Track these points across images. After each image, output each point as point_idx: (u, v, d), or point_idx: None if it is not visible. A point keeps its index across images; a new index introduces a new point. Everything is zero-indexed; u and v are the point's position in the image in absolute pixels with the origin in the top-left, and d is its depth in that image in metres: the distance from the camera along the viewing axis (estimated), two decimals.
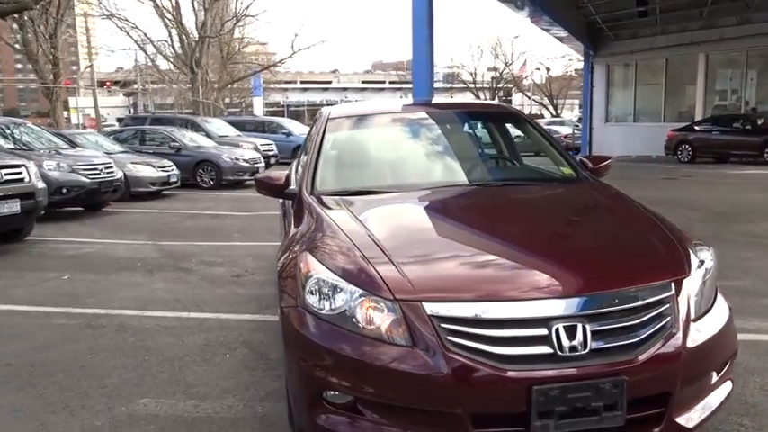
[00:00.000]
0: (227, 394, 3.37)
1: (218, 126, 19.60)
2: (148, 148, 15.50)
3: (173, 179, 13.43)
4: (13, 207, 7.34)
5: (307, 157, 3.73)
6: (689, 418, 2.27)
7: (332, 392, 2.30)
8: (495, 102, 4.70)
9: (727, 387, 2.49)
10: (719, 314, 2.45)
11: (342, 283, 2.35)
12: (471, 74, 64.13)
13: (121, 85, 44.72)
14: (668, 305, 2.27)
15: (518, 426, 2.10)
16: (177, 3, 29.24)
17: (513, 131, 4.23)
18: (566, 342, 2.11)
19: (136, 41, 30.50)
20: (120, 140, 15.81)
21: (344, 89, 77.26)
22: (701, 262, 2.52)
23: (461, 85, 63.73)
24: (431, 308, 2.18)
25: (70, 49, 48.49)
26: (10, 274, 6.34)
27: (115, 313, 4.91)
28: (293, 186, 3.61)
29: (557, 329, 2.12)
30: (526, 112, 62.49)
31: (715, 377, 2.42)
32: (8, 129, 11.02)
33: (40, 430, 3.02)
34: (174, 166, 13.63)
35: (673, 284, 2.32)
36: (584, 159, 3.90)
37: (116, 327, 4.58)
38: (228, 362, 3.83)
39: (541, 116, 53.24)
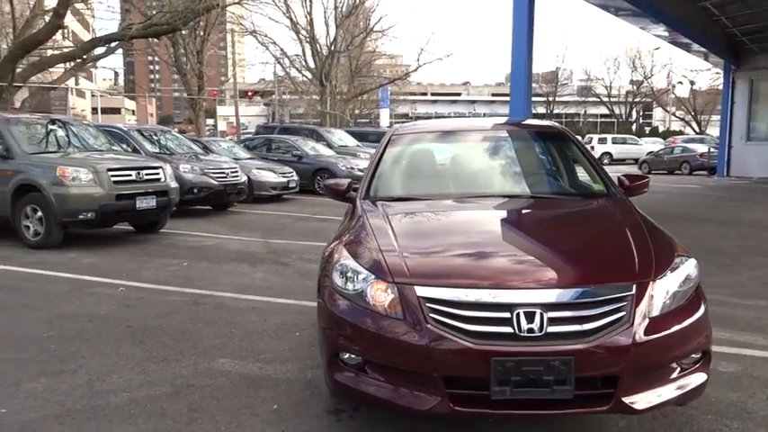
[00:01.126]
0: (287, 362, 4.11)
1: (340, 137, 20.86)
2: (274, 155, 17.00)
3: (292, 184, 14.73)
4: (151, 202, 8.67)
5: (368, 167, 4.40)
6: (638, 401, 2.64)
7: (347, 355, 2.93)
8: (546, 122, 5.12)
9: (694, 380, 2.82)
10: (687, 315, 2.79)
11: (360, 269, 2.98)
12: (606, 87, 61.91)
13: (261, 94, 48.08)
14: (626, 303, 2.67)
15: (481, 389, 2.61)
16: (311, 19, 31.37)
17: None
18: (524, 325, 2.59)
19: (273, 55, 33.04)
20: (249, 148, 17.48)
21: (473, 102, 77.59)
22: (675, 270, 2.87)
23: (595, 99, 61.74)
24: (420, 290, 2.75)
25: (220, 62, 52.79)
26: (143, 258, 7.59)
27: (217, 294, 5.85)
28: (353, 192, 4.29)
29: (518, 314, 2.60)
30: (666, 128, 59.19)
31: (677, 370, 2.77)
32: (156, 135, 12.81)
33: (141, 372, 3.92)
34: (294, 173, 14.93)
35: (635, 286, 2.71)
36: (623, 177, 4.25)
37: (215, 305, 5.51)
38: (296, 338, 4.57)
39: (680, 132, 50.41)
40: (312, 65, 31.92)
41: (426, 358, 2.65)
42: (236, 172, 12.42)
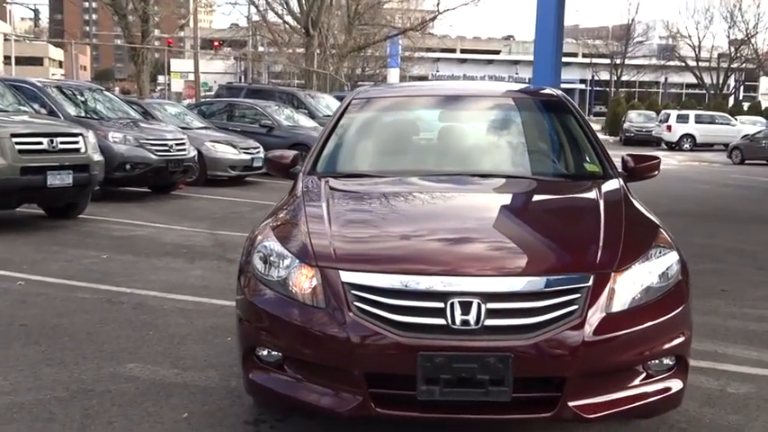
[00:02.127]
0: (210, 369, 4.57)
1: (327, 103, 21.30)
2: (237, 125, 17.58)
3: (257, 163, 15.16)
4: (66, 179, 9.15)
5: (317, 139, 4.87)
6: (589, 408, 3.07)
7: (264, 351, 3.39)
8: (546, 89, 5.59)
9: (664, 389, 3.25)
10: (656, 313, 3.21)
11: (285, 253, 3.44)
12: (694, 48, 61.98)
13: (230, 45, 48.44)
14: (579, 296, 3.10)
15: (407, 389, 3.05)
16: None
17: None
18: (459, 316, 3.03)
19: None
20: (205, 115, 18.01)
21: (516, 62, 77.81)
22: (647, 262, 3.30)
23: (678, 63, 61.79)
24: (345, 276, 3.20)
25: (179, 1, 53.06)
26: (52, 249, 8.09)
27: (138, 293, 6.34)
28: (299, 167, 4.75)
29: (452, 304, 3.04)
30: None
31: (641, 375, 3.20)
32: (81, 95, 13.26)
33: (32, 375, 4.39)
34: (262, 149, 15.31)
35: (593, 278, 3.15)
36: (628, 157, 4.69)
37: (134, 305, 5.98)
38: (226, 344, 5.03)
39: None
40: (296, 7, 32.38)
41: (347, 352, 3.10)
42: (183, 145, 12.88)
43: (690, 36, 61.98)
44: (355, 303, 3.14)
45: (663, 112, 41.08)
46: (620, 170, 4.57)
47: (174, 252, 8.16)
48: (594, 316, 3.09)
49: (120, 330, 5.30)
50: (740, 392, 4.30)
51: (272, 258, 3.47)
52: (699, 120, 37.72)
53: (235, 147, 15.08)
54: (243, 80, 54.22)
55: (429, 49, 58.47)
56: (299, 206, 3.92)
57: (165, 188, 13.16)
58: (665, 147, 37.16)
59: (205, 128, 16.04)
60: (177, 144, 12.73)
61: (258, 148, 15.41)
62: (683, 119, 37.42)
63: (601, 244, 3.35)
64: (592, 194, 4.09)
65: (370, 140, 4.94)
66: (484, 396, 3.02)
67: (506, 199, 4.26)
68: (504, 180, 4.45)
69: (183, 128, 14.48)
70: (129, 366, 4.58)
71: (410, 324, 3.07)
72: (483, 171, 4.51)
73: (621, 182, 4.32)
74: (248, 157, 15.12)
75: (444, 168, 4.54)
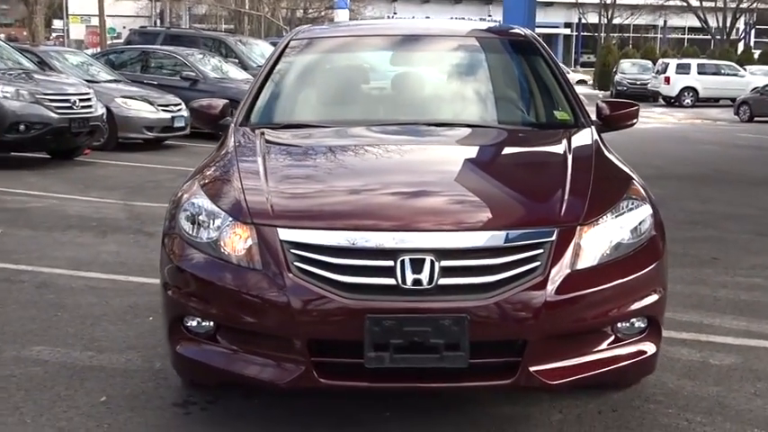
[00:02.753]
0: (131, 350, 4.81)
1: (261, 51, 21.40)
2: (153, 77, 17.64)
3: (179, 123, 15.36)
4: None
5: (250, 84, 5.11)
6: (552, 373, 3.39)
7: (194, 321, 3.64)
8: (512, 28, 5.90)
9: (635, 353, 3.58)
10: (626, 271, 3.53)
11: (216, 210, 3.68)
12: None
13: None
14: (542, 251, 3.40)
15: (354, 357, 3.32)
16: None
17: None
18: (410, 276, 3.31)
19: None
20: (115, 65, 18.05)
21: (488, 1, 77.89)
22: (619, 215, 3.61)
23: (679, 2, 62.36)
24: (284, 233, 3.45)
25: None
26: None
27: (42, 271, 6.53)
28: (230, 119, 4.98)
29: (402, 262, 3.32)
30: None
31: (609, 339, 3.53)
32: None
33: None
34: (184, 105, 15.37)
35: (556, 232, 3.45)
36: (603, 104, 5.02)
37: (38, 283, 6.18)
38: (148, 324, 5.27)
39: None
40: None
41: (287, 318, 3.36)
42: (89, 101, 12.93)
43: None
44: (295, 264, 3.39)
45: (660, 61, 41.71)
46: (594, 118, 4.88)
47: (80, 225, 8.33)
48: (558, 273, 3.39)
49: (22, 311, 5.50)
50: (724, 364, 4.68)
51: (200, 218, 3.70)
52: (702, 70, 38.30)
53: (151, 103, 15.17)
54: (159, 25, 53.61)
55: None
56: (230, 161, 4.15)
57: (67, 153, 13.25)
58: (662, 102, 37.92)
59: (115, 81, 16.08)
60: (82, 100, 12.76)
61: (179, 104, 15.49)
62: (683, 69, 37.92)
63: (566, 196, 3.65)
64: (559, 145, 4.39)
65: (312, 87, 5.20)
66: (438, 362, 3.30)
67: (465, 151, 4.56)
68: (463, 130, 4.77)
69: (88, 81, 14.53)
70: (35, 349, 4.80)
71: (356, 285, 3.33)
72: (441, 120, 4.82)
73: (594, 131, 4.63)
74: (168, 115, 15.23)
75: (398, 117, 4.84)
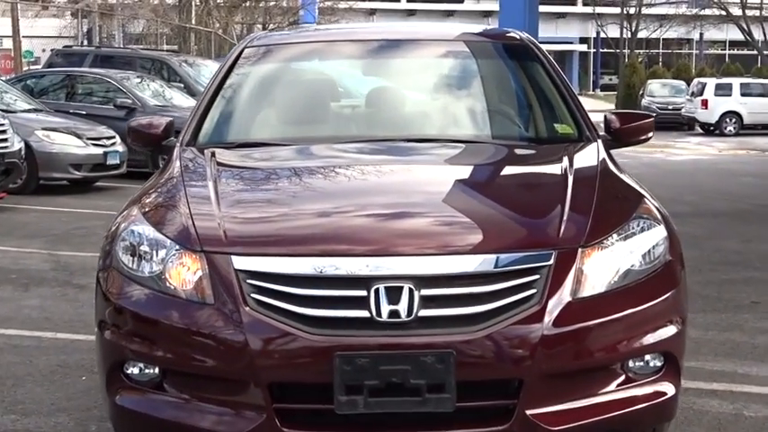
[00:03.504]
0: (60, 413, 5.00)
1: (212, 73, 21.61)
2: (81, 105, 17.86)
3: (113, 160, 15.54)
4: None
5: (198, 99, 5.35)
6: (552, 418, 3.56)
7: (135, 368, 3.82)
8: (509, 31, 6.15)
9: (651, 395, 3.75)
10: (638, 299, 3.72)
11: (160, 238, 3.88)
12: None
13: None
14: (538, 277, 3.60)
15: (323, 402, 3.50)
16: None
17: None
18: (385, 307, 3.50)
19: None
20: (34, 92, 18.14)
21: (487, 14, 78.61)
22: (627, 237, 3.83)
23: (718, 12, 62.97)
24: (239, 262, 3.65)
25: None
26: None
27: None
28: (174, 139, 5.20)
29: (376, 291, 3.52)
30: None
31: (619, 378, 3.72)
32: None
33: None
34: (118, 139, 15.50)
35: (554, 255, 3.66)
36: (612, 116, 5.25)
37: None
38: (81, 384, 5.46)
39: None
40: None
41: (245, 359, 3.54)
42: (4, 133, 13.02)
43: None
44: (253, 296, 3.57)
45: (696, 81, 41.65)
46: (602, 132, 5.11)
47: None
48: (557, 303, 3.56)
49: None
50: (759, 416, 4.87)
51: (142, 248, 3.89)
52: (746, 91, 38.51)
53: (79, 137, 15.33)
54: (87, 44, 53.70)
55: None
56: (176, 185, 4.36)
57: None
58: (699, 130, 38.20)
59: (35, 110, 16.23)
60: None
61: (113, 137, 15.68)
62: (724, 90, 38.10)
63: (565, 215, 3.85)
64: (560, 162, 4.58)
65: (271, 103, 5.43)
66: (420, 406, 3.47)
67: (452, 170, 4.77)
68: (450, 146, 4.98)
69: (1, 110, 14.53)
70: None
71: (324, 318, 3.51)
72: (425, 135, 5.05)
73: (601, 146, 4.85)
74: (99, 151, 15.41)
75: (374, 133, 5.06)
